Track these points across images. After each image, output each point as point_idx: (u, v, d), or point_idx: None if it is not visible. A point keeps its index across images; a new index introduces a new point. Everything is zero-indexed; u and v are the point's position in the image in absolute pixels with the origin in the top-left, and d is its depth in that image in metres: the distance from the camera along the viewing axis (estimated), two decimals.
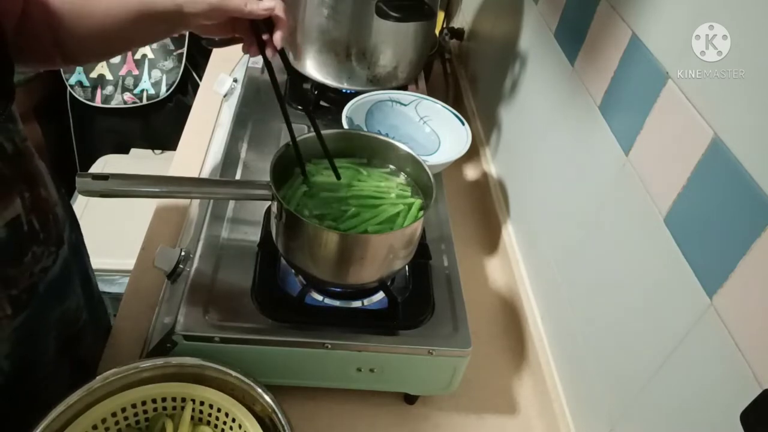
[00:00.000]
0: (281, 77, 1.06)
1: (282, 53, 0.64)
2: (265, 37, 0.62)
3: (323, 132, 0.69)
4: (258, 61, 1.10)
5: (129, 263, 0.88)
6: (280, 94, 0.65)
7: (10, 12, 0.59)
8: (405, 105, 0.94)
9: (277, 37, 0.62)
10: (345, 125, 0.84)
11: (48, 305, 0.65)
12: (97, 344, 0.76)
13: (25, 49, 0.61)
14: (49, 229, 0.64)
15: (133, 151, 1.82)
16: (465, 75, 1.35)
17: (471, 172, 1.14)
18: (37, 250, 0.62)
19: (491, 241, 1.01)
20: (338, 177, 0.70)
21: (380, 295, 0.71)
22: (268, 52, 0.63)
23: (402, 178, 0.73)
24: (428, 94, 1.00)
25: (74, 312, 0.71)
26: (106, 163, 1.71)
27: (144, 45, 0.61)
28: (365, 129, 0.89)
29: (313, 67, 0.97)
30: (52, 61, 0.66)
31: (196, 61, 1.81)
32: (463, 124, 0.91)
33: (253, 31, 0.62)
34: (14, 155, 0.59)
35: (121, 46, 0.69)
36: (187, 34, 1.78)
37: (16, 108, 0.60)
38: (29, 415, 0.54)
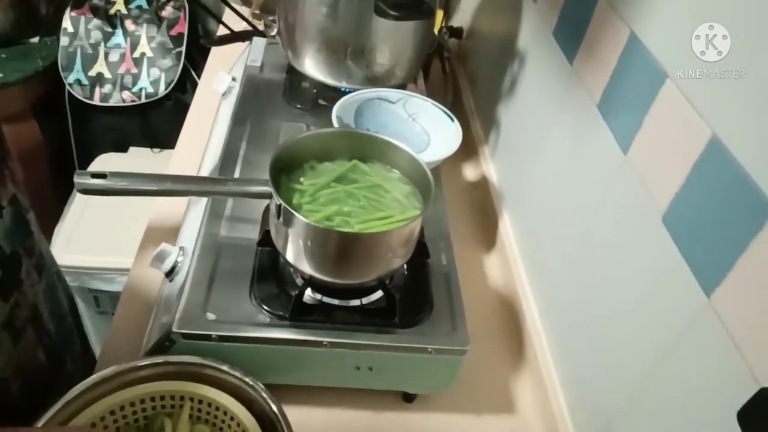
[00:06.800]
0: (280, 75, 1.07)
1: None
2: None
3: (320, 131, 0.69)
4: (257, 59, 1.10)
5: (127, 261, 0.87)
6: None
7: None
8: (393, 103, 0.94)
9: None
10: (335, 124, 0.84)
11: None
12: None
13: None
14: None
15: (131, 149, 1.82)
16: (464, 74, 1.35)
17: (470, 171, 1.14)
18: None
19: (489, 239, 1.01)
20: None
21: (379, 294, 0.71)
22: None
23: (399, 175, 0.73)
24: (427, 93, 1.00)
25: None
26: (105, 162, 1.71)
27: None
28: (354, 128, 0.89)
29: (312, 66, 0.97)
30: None
31: (195, 59, 1.81)
32: (453, 121, 0.90)
33: None
34: None
35: None
36: (186, 32, 1.78)
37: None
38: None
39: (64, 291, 0.73)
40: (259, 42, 1.13)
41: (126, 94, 1.78)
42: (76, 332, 0.77)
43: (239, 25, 1.21)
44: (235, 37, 1.18)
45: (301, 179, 0.70)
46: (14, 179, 0.61)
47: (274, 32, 1.04)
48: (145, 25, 1.78)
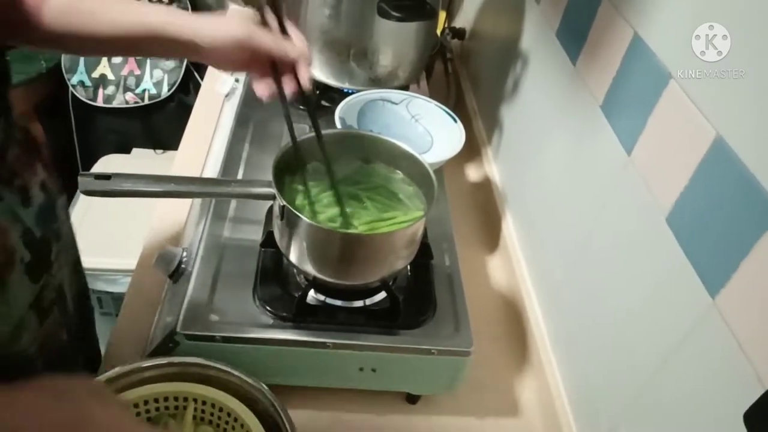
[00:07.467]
0: None
1: (305, 94, 0.60)
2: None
3: (324, 132, 0.69)
4: None
5: (131, 263, 0.88)
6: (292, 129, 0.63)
7: None
8: (396, 104, 0.94)
9: (304, 76, 0.58)
10: (338, 125, 0.84)
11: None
12: None
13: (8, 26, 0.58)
14: None
15: (134, 150, 1.83)
16: (466, 75, 1.35)
17: (473, 172, 1.14)
18: None
19: (493, 240, 1.01)
20: (345, 219, 0.67)
21: (382, 295, 0.71)
22: (288, 90, 0.59)
23: (402, 176, 0.73)
24: (429, 94, 1.00)
25: None
26: (108, 163, 1.71)
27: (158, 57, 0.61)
28: (357, 129, 0.89)
29: (315, 67, 0.97)
30: (29, 43, 0.63)
31: None
32: (456, 122, 0.90)
33: (273, 71, 0.59)
34: None
35: (129, 54, 0.64)
36: None
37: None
38: None
39: (80, 274, 0.75)
40: None
41: (129, 96, 1.78)
42: (89, 315, 0.79)
43: None
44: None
45: (305, 180, 0.70)
46: (45, 165, 0.62)
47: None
48: None
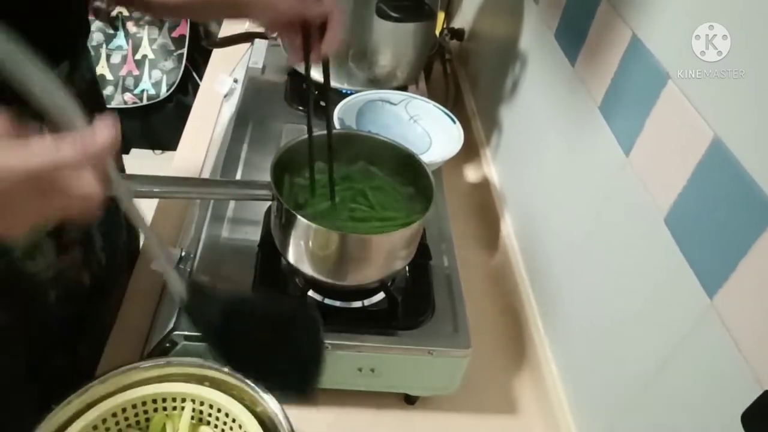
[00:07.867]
0: (282, 77, 1.07)
1: (326, 66, 0.62)
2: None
3: (322, 133, 0.69)
4: (258, 61, 1.10)
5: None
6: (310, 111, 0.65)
7: None
8: (395, 104, 0.94)
9: (328, 40, 0.60)
10: (337, 126, 0.84)
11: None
12: None
13: None
14: None
15: (133, 151, 1.83)
16: (465, 75, 1.35)
17: (471, 173, 1.14)
18: None
19: (491, 241, 1.01)
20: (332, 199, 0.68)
21: (380, 295, 0.71)
22: (313, 57, 0.61)
23: (402, 177, 0.73)
24: (428, 95, 1.00)
25: None
26: None
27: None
28: (356, 129, 0.89)
29: (313, 68, 0.97)
30: (117, 3, 0.76)
31: (196, 61, 1.81)
32: (454, 122, 0.90)
33: (303, 35, 0.61)
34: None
35: (191, 16, 0.74)
36: (187, 34, 1.79)
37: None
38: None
39: (128, 234, 0.79)
40: (260, 44, 1.14)
41: (128, 96, 1.78)
42: (126, 273, 0.81)
43: (240, 27, 1.22)
44: (236, 39, 1.18)
45: (306, 174, 0.70)
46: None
47: (275, 34, 1.05)
48: (146, 27, 1.78)
